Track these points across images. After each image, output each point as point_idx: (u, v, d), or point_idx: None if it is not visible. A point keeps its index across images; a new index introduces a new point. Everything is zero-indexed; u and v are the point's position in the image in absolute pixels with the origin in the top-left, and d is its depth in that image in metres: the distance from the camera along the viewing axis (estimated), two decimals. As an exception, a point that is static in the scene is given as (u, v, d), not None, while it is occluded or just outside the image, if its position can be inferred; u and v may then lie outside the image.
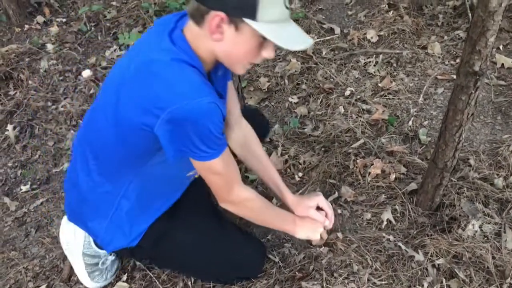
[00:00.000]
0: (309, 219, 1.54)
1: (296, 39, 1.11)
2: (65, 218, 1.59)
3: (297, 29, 1.13)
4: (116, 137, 1.23)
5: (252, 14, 1.03)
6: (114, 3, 3.25)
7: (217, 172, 1.23)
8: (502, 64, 2.31)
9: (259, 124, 1.64)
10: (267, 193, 1.90)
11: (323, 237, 1.55)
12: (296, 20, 2.81)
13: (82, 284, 1.62)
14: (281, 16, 1.08)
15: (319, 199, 1.56)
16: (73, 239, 1.54)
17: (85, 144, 1.37)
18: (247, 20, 1.04)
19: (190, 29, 1.14)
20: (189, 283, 1.60)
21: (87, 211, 1.42)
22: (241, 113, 1.57)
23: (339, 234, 1.68)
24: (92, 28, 3.07)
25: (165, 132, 1.11)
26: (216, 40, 1.09)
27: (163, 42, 1.13)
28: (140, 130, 1.14)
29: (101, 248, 1.54)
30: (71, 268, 1.71)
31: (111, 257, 1.61)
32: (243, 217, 1.47)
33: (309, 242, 1.68)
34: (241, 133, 1.57)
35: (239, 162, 1.51)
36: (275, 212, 1.49)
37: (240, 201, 1.34)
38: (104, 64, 2.74)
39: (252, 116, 1.66)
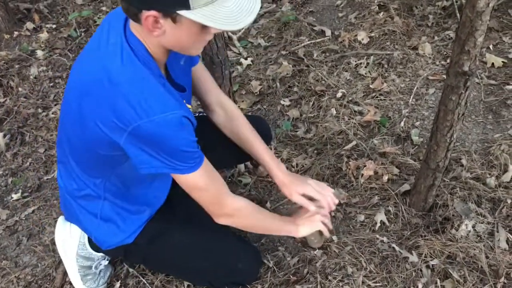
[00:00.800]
0: (304, 212, 1.50)
1: (236, 16, 1.00)
2: (61, 217, 1.58)
3: (237, 2, 1.01)
4: (82, 144, 1.20)
5: (184, 4, 0.96)
6: (104, 8, 3.24)
7: (200, 187, 1.20)
8: (492, 63, 2.32)
9: (260, 133, 1.59)
10: (262, 196, 1.89)
11: (325, 235, 1.51)
12: (287, 23, 2.81)
13: (74, 290, 1.61)
14: None
15: (307, 189, 1.47)
16: (68, 239, 1.54)
17: (62, 145, 1.36)
18: (181, 12, 0.97)
19: (134, 27, 1.09)
20: (183, 289, 1.59)
21: (79, 210, 1.41)
22: (222, 93, 1.51)
23: (334, 237, 1.68)
24: (82, 34, 3.05)
25: (132, 147, 1.08)
26: (158, 36, 1.05)
27: (119, 43, 1.08)
28: (106, 142, 1.11)
29: (97, 250, 1.53)
30: (63, 276, 1.69)
31: (105, 262, 1.60)
32: (241, 228, 1.45)
33: (307, 245, 1.68)
34: (224, 113, 1.50)
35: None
36: (272, 216, 1.47)
37: (234, 211, 1.31)
38: (94, 69, 2.72)
39: (252, 124, 1.62)
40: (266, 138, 1.69)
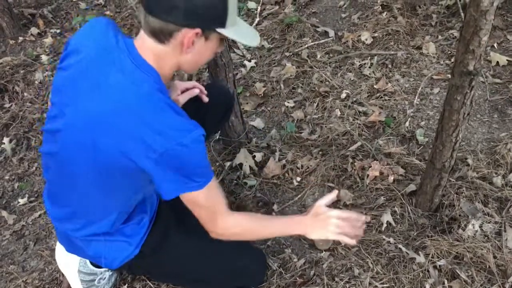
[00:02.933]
0: (316, 215, 1.34)
1: (252, 35, 1.21)
2: None
3: (247, 25, 1.23)
4: (98, 185, 1.20)
5: (222, 23, 1.11)
6: (107, 12, 3.25)
7: (199, 204, 1.21)
8: (497, 62, 2.31)
9: (224, 100, 1.71)
10: (268, 198, 1.89)
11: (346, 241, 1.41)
12: (290, 24, 2.81)
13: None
14: (236, 18, 1.17)
15: (175, 85, 1.54)
16: (69, 256, 1.52)
17: (57, 199, 1.35)
18: (219, 30, 1.11)
19: (150, 49, 1.12)
20: (190, 292, 1.59)
21: (83, 243, 1.39)
22: None
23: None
24: (86, 38, 3.06)
25: (160, 172, 1.11)
26: (188, 52, 1.12)
27: (129, 72, 1.10)
28: (132, 171, 1.13)
29: (98, 266, 1.52)
30: (70, 280, 1.70)
31: (108, 273, 1.59)
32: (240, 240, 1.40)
33: (314, 245, 1.67)
34: None
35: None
36: (272, 223, 1.40)
37: (227, 230, 1.30)
38: (99, 74, 2.73)
39: (216, 93, 1.68)
40: (227, 102, 1.75)
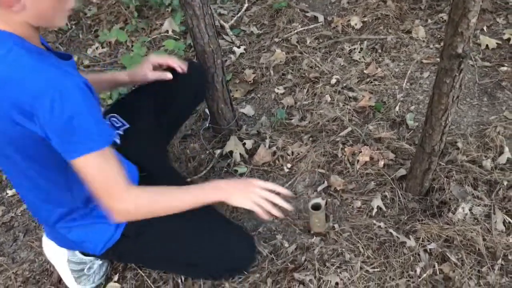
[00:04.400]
0: (240, 181, 1.33)
1: None
2: None
3: None
4: (17, 167, 1.16)
5: None
6: (94, 0, 3.20)
7: (89, 173, 1.11)
8: (487, 45, 2.31)
9: (194, 78, 1.69)
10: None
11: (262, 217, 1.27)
12: (279, 10, 2.78)
13: None
14: None
15: (149, 59, 1.56)
16: (57, 247, 1.51)
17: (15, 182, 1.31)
18: None
19: None
20: (180, 281, 1.59)
21: (63, 231, 1.36)
22: None
23: (336, 225, 1.67)
24: (73, 27, 3.01)
25: (50, 131, 1.05)
26: (18, 11, 1.04)
27: None
28: (31, 138, 1.07)
29: (88, 255, 1.51)
30: (61, 271, 1.69)
31: (98, 262, 1.58)
32: (147, 217, 1.24)
33: (307, 230, 1.67)
34: None
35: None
36: (185, 192, 1.27)
37: (129, 205, 1.17)
38: (86, 62, 2.70)
39: (188, 73, 1.65)
40: (197, 79, 1.74)
